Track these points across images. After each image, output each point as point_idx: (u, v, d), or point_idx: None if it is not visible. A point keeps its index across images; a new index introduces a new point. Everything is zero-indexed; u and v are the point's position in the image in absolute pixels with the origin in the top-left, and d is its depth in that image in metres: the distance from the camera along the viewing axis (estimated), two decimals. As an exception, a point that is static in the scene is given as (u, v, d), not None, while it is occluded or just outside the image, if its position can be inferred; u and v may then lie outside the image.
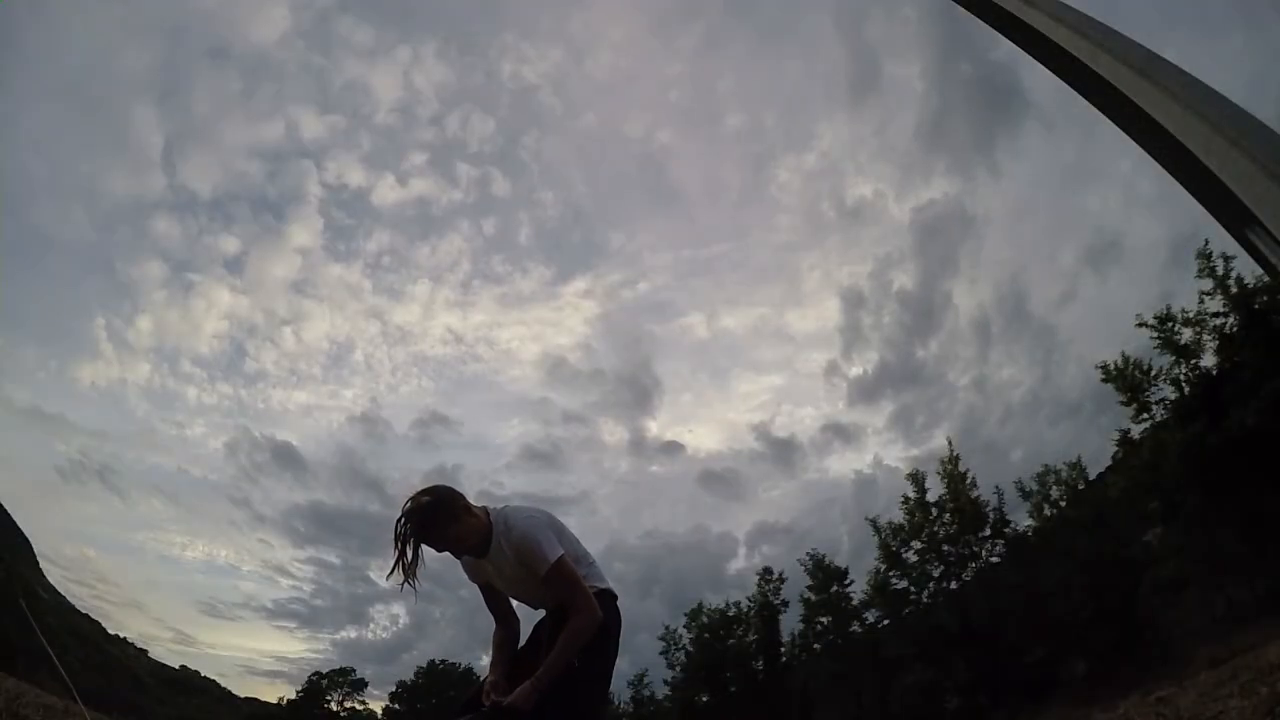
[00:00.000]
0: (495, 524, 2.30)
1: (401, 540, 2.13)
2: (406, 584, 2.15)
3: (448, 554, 2.30)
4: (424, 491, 2.23)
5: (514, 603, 2.58)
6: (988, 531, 21.79)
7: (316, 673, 53.05)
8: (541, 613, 2.57)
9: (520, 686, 2.14)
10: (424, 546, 2.19)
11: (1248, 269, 15.10)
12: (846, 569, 26.60)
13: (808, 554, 27.30)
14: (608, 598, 2.41)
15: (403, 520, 2.15)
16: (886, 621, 24.38)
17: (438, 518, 2.18)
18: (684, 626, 30.36)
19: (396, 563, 2.13)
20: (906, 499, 23.46)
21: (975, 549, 21.86)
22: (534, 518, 2.32)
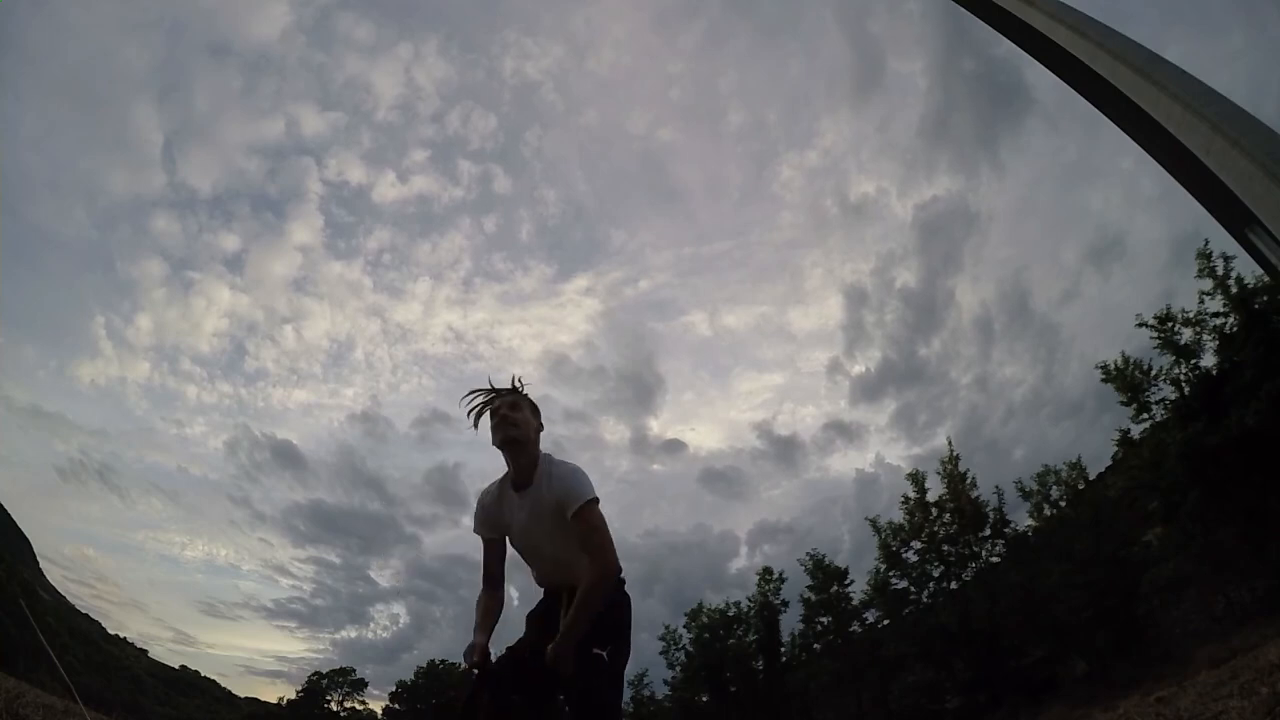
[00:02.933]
0: (541, 462, 2.34)
1: (489, 392, 2.39)
2: (472, 420, 2.38)
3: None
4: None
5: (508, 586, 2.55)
6: (988, 531, 21.78)
7: (316, 673, 53.08)
8: (532, 603, 2.52)
9: (552, 649, 2.11)
10: (491, 420, 2.34)
11: (1248, 269, 15.12)
12: (846, 569, 26.65)
13: (808, 554, 27.34)
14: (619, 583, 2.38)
15: (496, 388, 2.41)
16: (886, 621, 24.37)
17: (527, 402, 2.40)
18: (684, 626, 30.39)
19: (474, 396, 2.40)
20: (906, 499, 23.49)
21: (975, 549, 21.85)
22: (579, 467, 2.36)
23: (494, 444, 2.32)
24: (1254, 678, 7.17)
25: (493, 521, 2.44)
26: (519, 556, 2.49)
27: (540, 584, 2.50)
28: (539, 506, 2.27)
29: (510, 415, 2.31)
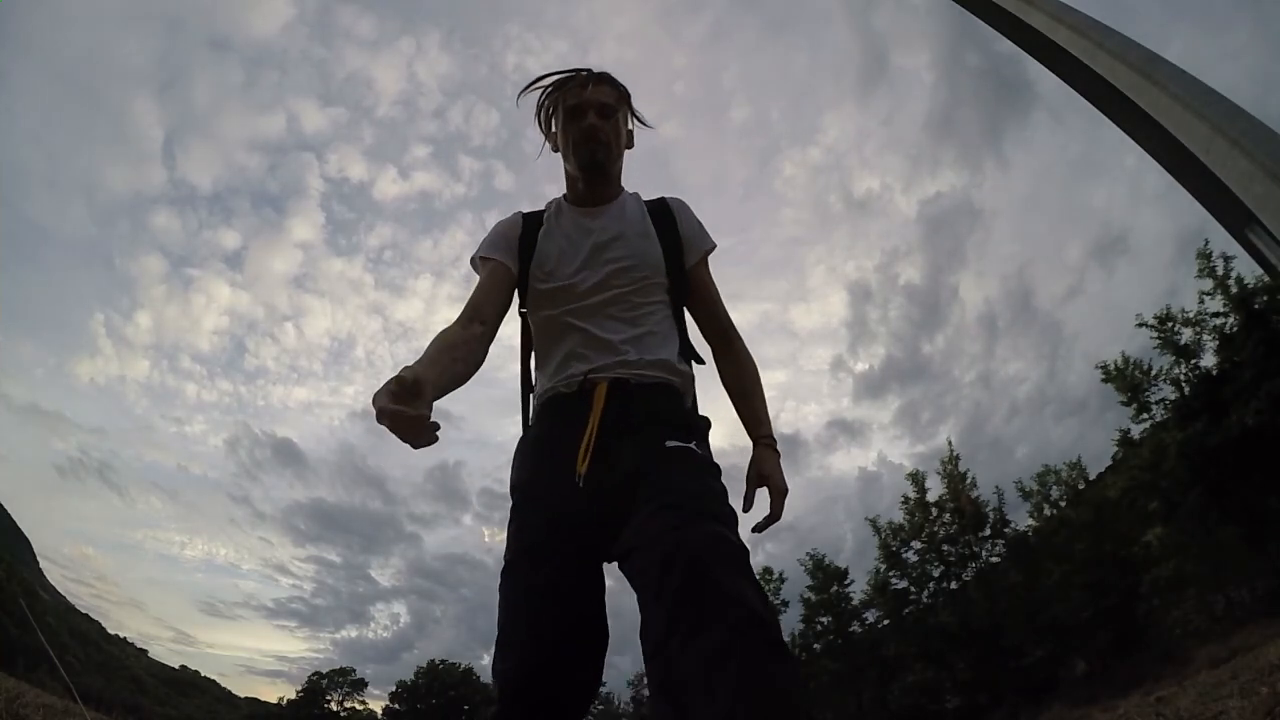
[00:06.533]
0: (625, 188, 1.68)
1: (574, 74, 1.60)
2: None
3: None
4: None
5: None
6: (988, 531, 21.81)
7: (316, 672, 53.21)
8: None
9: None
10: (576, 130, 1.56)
11: (1248, 269, 15.12)
12: (846, 569, 26.66)
13: (808, 554, 27.39)
14: None
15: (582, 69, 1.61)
16: (886, 621, 24.40)
17: (625, 104, 1.62)
18: (684, 626, 30.34)
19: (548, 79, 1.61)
20: (906, 499, 23.54)
21: (975, 549, 21.87)
22: None
23: (577, 161, 1.57)
24: (1254, 678, 7.18)
25: (510, 243, 1.57)
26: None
27: (563, 368, 1.45)
28: (632, 219, 1.56)
29: (602, 127, 1.55)
